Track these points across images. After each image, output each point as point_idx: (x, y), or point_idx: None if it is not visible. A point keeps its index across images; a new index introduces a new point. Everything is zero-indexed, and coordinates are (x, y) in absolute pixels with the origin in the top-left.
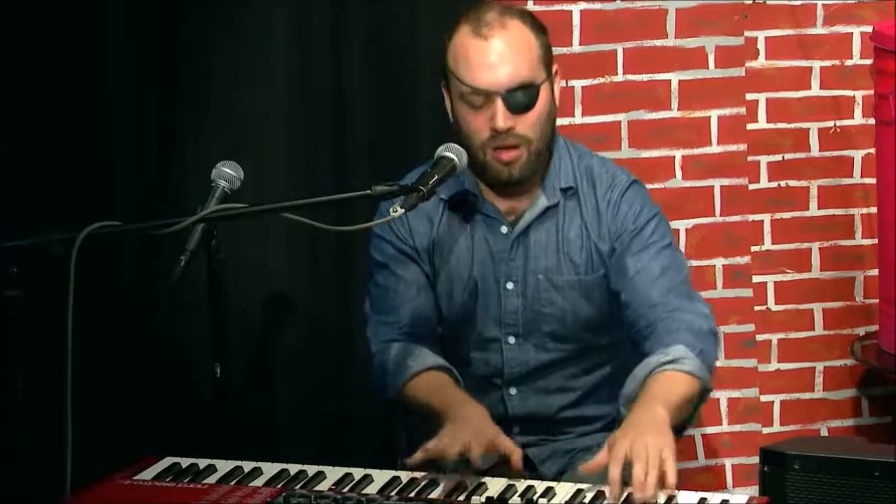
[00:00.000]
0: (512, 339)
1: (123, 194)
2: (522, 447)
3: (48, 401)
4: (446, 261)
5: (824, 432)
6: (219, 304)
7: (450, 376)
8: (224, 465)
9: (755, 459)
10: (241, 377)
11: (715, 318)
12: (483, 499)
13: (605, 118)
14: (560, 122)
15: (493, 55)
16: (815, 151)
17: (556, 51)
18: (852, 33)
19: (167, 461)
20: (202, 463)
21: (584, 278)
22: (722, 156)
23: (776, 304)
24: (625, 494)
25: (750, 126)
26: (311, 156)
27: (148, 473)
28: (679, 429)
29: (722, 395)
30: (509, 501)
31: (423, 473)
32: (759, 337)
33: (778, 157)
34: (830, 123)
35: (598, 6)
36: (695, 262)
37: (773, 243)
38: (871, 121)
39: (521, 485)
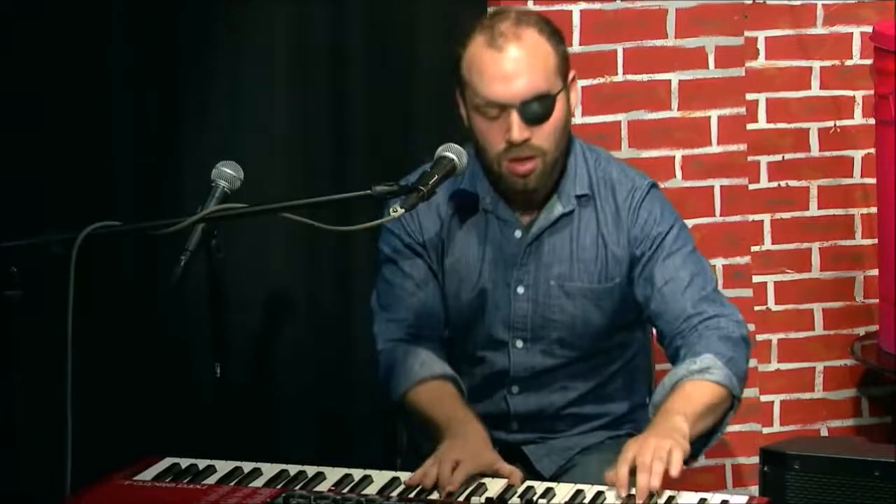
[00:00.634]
0: (520, 343)
1: (123, 194)
2: (519, 444)
3: (48, 401)
4: (456, 260)
5: (824, 432)
6: (219, 304)
7: (455, 387)
8: (224, 466)
9: (755, 459)
10: (241, 377)
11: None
12: (483, 499)
13: (605, 118)
14: None
15: (508, 67)
16: (815, 151)
17: None
18: (852, 33)
19: (167, 461)
20: (202, 463)
21: (597, 287)
22: (722, 156)
23: (776, 304)
24: (623, 496)
25: (750, 126)
26: (311, 156)
27: (148, 473)
28: (706, 436)
29: None
30: (509, 502)
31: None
32: (759, 337)
33: (778, 157)
34: (830, 123)
35: (598, 6)
36: None
37: (773, 243)
38: (871, 121)
39: (521, 485)
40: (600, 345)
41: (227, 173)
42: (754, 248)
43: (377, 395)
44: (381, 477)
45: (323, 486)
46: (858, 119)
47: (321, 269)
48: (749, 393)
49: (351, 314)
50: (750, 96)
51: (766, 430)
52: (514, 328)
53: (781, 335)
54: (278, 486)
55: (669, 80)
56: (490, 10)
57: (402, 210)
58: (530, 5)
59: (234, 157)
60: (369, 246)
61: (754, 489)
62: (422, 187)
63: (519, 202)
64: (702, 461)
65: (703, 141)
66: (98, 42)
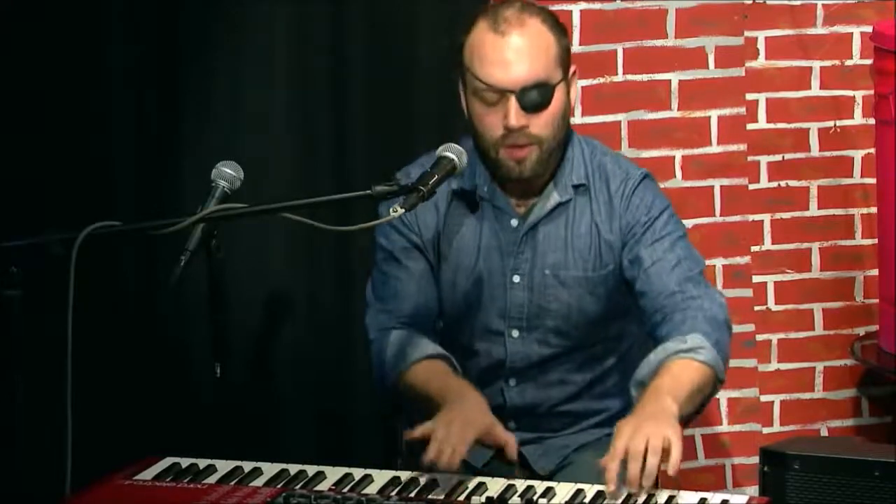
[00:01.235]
0: (516, 333)
1: (123, 194)
2: (518, 445)
3: (48, 401)
4: (452, 249)
5: (824, 432)
6: (219, 304)
7: (448, 364)
8: (224, 465)
9: (755, 459)
10: (241, 377)
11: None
12: (483, 499)
13: (605, 118)
14: None
15: (509, 52)
16: (815, 151)
17: None
18: (852, 33)
19: (167, 461)
20: (202, 463)
21: (591, 275)
22: (722, 156)
23: (776, 304)
24: (625, 493)
25: (750, 126)
26: (311, 156)
27: (148, 473)
28: (686, 420)
29: (722, 395)
30: (509, 501)
31: (423, 474)
32: (759, 337)
33: (778, 157)
34: (830, 123)
35: (598, 6)
36: None
37: (773, 243)
38: (871, 121)
39: (521, 485)
40: (596, 334)
41: (227, 173)
42: (754, 248)
43: (376, 393)
44: (381, 476)
45: (323, 486)
46: (858, 119)
47: (321, 269)
48: (749, 393)
49: (351, 314)
50: (750, 96)
51: (766, 430)
52: (510, 318)
53: (781, 335)
54: (279, 486)
55: (669, 80)
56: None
57: (403, 210)
58: None
59: (234, 157)
60: (369, 246)
61: (754, 489)
62: (422, 187)
63: (515, 190)
64: (702, 461)
65: (703, 141)
66: (98, 42)
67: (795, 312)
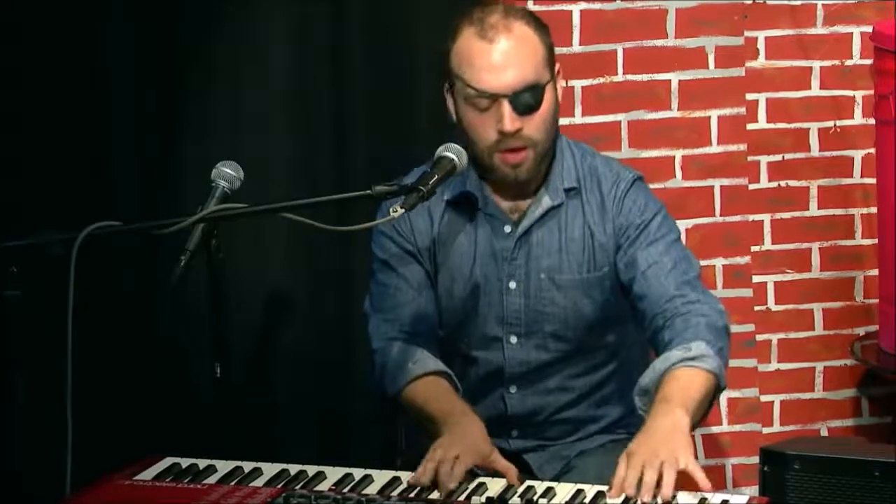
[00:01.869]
0: (514, 339)
1: (123, 194)
2: (520, 452)
3: (48, 401)
4: (448, 258)
5: (824, 432)
6: (219, 304)
7: (449, 382)
8: (224, 465)
9: (755, 459)
10: (241, 377)
11: None
12: (483, 499)
13: (605, 118)
14: (560, 121)
15: (498, 58)
16: (815, 151)
17: (556, 51)
18: (852, 33)
19: (167, 461)
20: (202, 463)
21: (586, 276)
22: (722, 156)
23: (776, 304)
24: (623, 495)
25: (750, 126)
26: (311, 156)
27: (148, 473)
28: (692, 429)
29: (722, 395)
30: (509, 501)
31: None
32: (759, 337)
33: (778, 157)
34: (830, 123)
35: (598, 6)
36: None
37: (773, 243)
38: (871, 121)
39: (521, 485)
40: (594, 339)
41: (227, 173)
42: (754, 248)
43: (376, 394)
44: (381, 476)
45: (323, 486)
46: (858, 119)
47: (321, 269)
48: (749, 393)
49: (351, 314)
50: (750, 96)
51: (766, 430)
52: (508, 324)
53: (781, 335)
54: (279, 486)
55: (669, 80)
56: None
57: (403, 210)
58: (530, 5)
59: (234, 157)
60: (369, 246)
61: (754, 489)
62: (422, 187)
63: (508, 195)
64: (702, 461)
65: (703, 141)
66: (98, 42)
67: (795, 312)
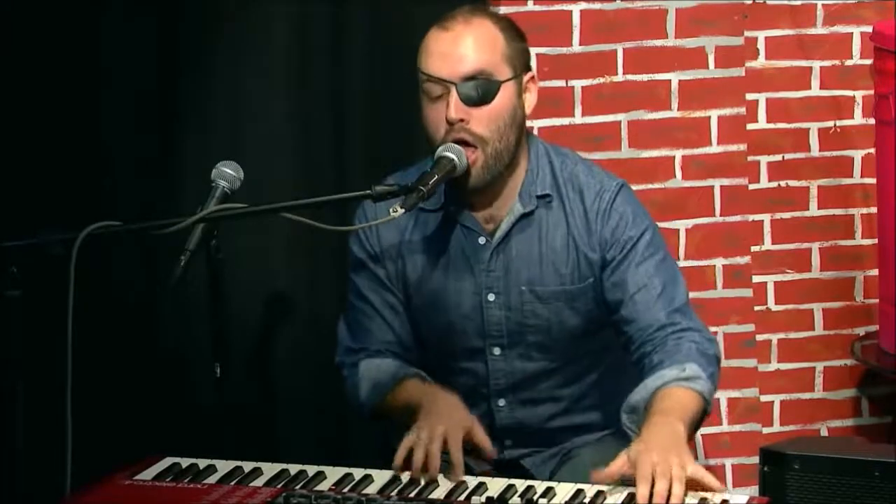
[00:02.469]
0: (497, 351)
1: (123, 194)
2: (516, 459)
3: (48, 401)
4: (422, 271)
5: (824, 432)
6: (219, 304)
7: (419, 378)
8: (224, 465)
9: (755, 459)
10: (241, 377)
11: (715, 318)
12: (483, 499)
13: (605, 118)
14: (560, 121)
15: (450, 43)
16: (815, 151)
17: (556, 51)
18: (852, 33)
19: (167, 461)
20: (202, 463)
21: (570, 288)
22: (722, 156)
23: (776, 304)
24: (624, 494)
25: (750, 126)
26: (311, 156)
27: (148, 473)
28: None
29: (722, 395)
30: (509, 501)
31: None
32: (759, 337)
33: (778, 157)
34: (830, 123)
35: (598, 6)
36: (695, 262)
37: (773, 243)
38: (871, 121)
39: (521, 484)
40: (580, 348)
41: (227, 173)
42: (754, 248)
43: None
44: (381, 476)
45: (323, 486)
46: (858, 119)
47: (321, 269)
48: (749, 393)
49: None
50: (750, 96)
51: (766, 430)
52: (490, 336)
53: (781, 335)
54: (279, 486)
55: (669, 80)
56: (489, 10)
57: (403, 210)
58: (530, 5)
59: (234, 157)
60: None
61: (754, 489)
62: (422, 187)
63: (479, 203)
64: (702, 461)
65: (703, 141)
66: (98, 42)
67: (795, 312)
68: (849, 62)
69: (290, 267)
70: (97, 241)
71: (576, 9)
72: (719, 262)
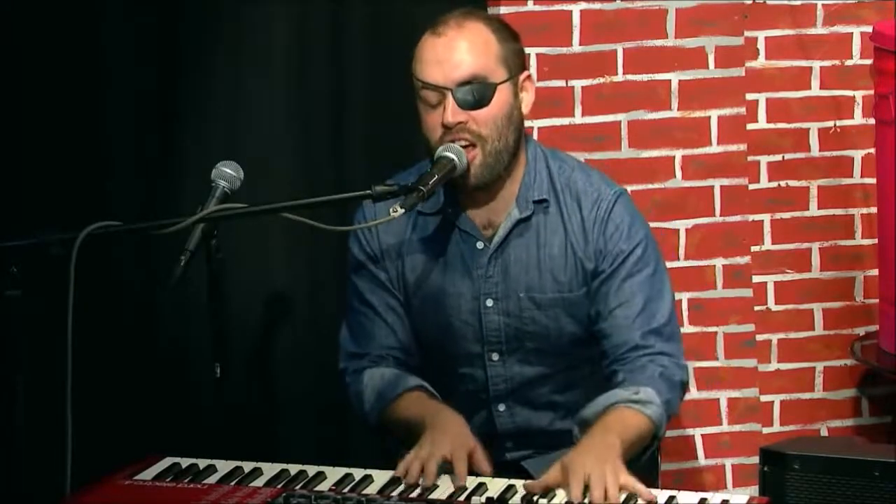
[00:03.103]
0: (495, 356)
1: (123, 194)
2: (517, 461)
3: (48, 401)
4: (420, 275)
5: (824, 432)
6: (219, 304)
7: (425, 392)
8: (224, 465)
9: (755, 459)
10: (241, 377)
11: (715, 318)
12: (483, 499)
13: (605, 118)
14: (560, 121)
15: (443, 50)
16: (815, 151)
17: (556, 51)
18: (852, 33)
19: (167, 461)
20: (202, 463)
21: (568, 295)
22: (722, 156)
23: (776, 304)
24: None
25: (750, 126)
26: (311, 156)
27: (148, 473)
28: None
29: (722, 395)
30: (509, 502)
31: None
32: (759, 337)
33: (778, 157)
34: (830, 123)
35: (598, 6)
36: (695, 262)
37: (773, 243)
38: (871, 121)
39: (522, 485)
40: (579, 354)
41: (227, 173)
42: (754, 248)
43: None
44: (381, 477)
45: (323, 486)
46: (858, 119)
47: (321, 269)
48: (749, 393)
49: None
50: (750, 96)
51: (766, 430)
52: (488, 341)
53: (781, 335)
54: (279, 486)
55: (669, 80)
56: (489, 10)
57: (402, 210)
58: (530, 5)
59: (234, 157)
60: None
61: (754, 489)
62: (422, 187)
63: (477, 205)
64: (702, 461)
65: (703, 141)
66: (98, 42)
67: (795, 312)
68: (849, 62)
69: (290, 267)
70: (97, 241)
71: (576, 9)
72: (719, 262)
